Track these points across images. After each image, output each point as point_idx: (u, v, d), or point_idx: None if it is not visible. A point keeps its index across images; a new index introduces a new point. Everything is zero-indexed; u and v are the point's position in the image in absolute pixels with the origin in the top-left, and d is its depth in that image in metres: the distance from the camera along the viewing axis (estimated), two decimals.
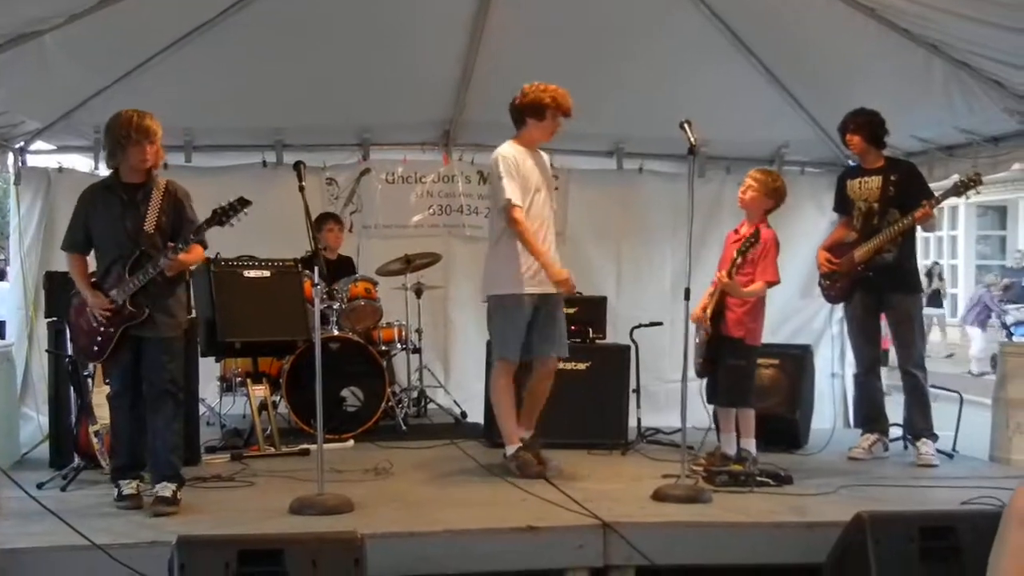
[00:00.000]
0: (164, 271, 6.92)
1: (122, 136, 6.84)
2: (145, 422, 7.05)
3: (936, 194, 9.09)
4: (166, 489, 6.88)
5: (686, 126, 7.56)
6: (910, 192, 9.07)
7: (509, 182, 8.01)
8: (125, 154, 6.91)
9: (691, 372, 8.10)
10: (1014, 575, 1.02)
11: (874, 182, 9.18)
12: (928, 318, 26.56)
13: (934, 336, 26.00)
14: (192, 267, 7.69)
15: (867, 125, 9.13)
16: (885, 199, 9.10)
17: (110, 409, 7.37)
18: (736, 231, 8.61)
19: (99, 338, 7.04)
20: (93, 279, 7.10)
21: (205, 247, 7.28)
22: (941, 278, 27.95)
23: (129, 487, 7.01)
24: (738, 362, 8.40)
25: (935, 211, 9.06)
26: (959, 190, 8.90)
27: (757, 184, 8.43)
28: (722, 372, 8.43)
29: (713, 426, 8.77)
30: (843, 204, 9.51)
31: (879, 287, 9.15)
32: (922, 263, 26.31)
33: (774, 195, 8.44)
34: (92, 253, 7.19)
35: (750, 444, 8.45)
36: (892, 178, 9.11)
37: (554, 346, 8.31)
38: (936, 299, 26.88)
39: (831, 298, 9.80)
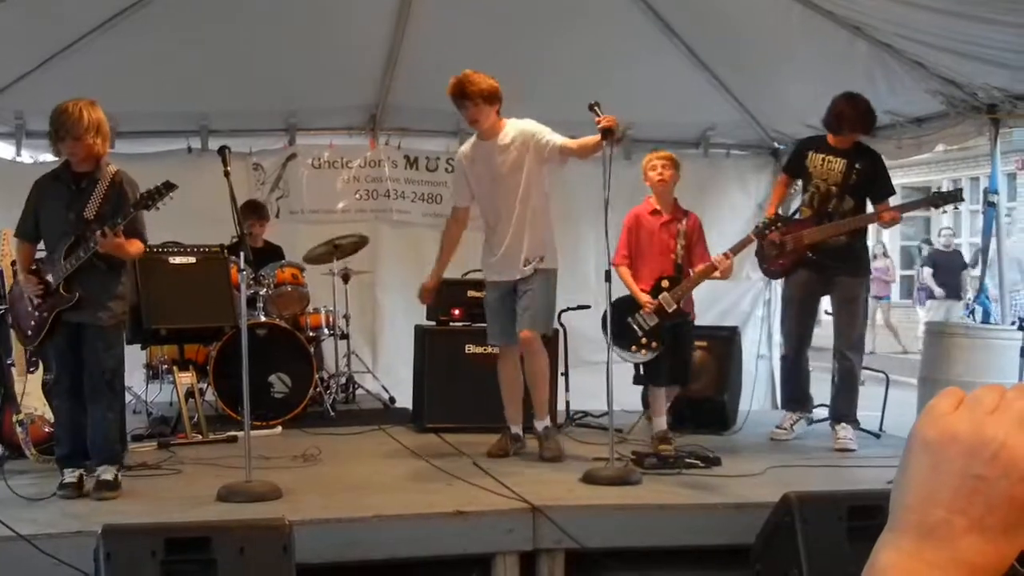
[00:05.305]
0: (96, 251, 6.87)
1: (52, 131, 6.92)
2: (86, 408, 7.04)
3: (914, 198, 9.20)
4: (108, 472, 6.85)
5: (596, 107, 7.46)
6: (873, 183, 8.94)
7: (454, 187, 8.04)
8: (58, 148, 7.00)
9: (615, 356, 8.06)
10: (917, 498, 1.00)
11: (838, 164, 8.86)
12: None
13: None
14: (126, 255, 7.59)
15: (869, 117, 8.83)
16: (847, 185, 8.85)
17: (51, 396, 7.38)
18: (654, 212, 8.69)
19: (33, 322, 7.08)
20: (35, 266, 7.16)
21: (145, 242, 7.28)
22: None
23: (72, 475, 6.92)
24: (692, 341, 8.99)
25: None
26: (936, 203, 9.04)
27: (670, 162, 8.62)
28: (683, 354, 8.75)
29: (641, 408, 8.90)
30: (796, 170, 9.28)
31: (827, 267, 8.97)
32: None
33: (678, 169, 8.70)
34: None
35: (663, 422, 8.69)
36: (857, 166, 8.84)
37: (519, 323, 8.11)
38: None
39: (771, 273, 9.78)
